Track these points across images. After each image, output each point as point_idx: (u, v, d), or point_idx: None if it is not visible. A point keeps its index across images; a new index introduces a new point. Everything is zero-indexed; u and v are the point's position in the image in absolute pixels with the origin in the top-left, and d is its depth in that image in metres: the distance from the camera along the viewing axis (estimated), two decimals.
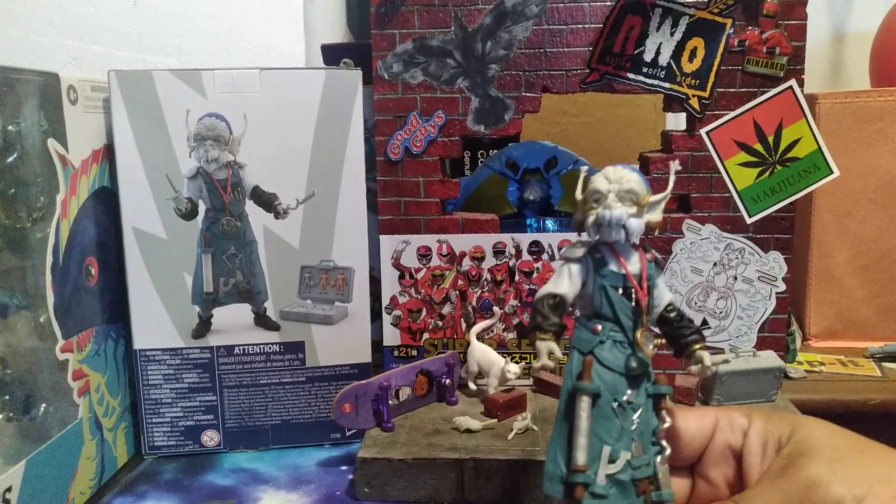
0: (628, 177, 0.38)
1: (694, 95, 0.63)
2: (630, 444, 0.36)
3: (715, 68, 0.63)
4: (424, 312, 0.67)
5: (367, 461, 0.54)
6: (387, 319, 0.67)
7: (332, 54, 0.77)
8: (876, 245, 0.84)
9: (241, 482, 0.58)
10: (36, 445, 0.48)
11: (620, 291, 0.38)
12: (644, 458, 0.37)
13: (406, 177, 0.65)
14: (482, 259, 0.66)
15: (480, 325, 0.66)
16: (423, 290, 0.67)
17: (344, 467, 0.60)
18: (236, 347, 0.61)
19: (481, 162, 0.91)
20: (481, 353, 0.64)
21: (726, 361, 0.44)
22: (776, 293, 0.65)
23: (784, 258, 0.65)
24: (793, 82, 0.62)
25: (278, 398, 0.62)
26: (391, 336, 0.68)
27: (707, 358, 0.39)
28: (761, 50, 0.62)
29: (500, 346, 0.67)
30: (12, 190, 0.47)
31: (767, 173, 0.63)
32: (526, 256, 0.66)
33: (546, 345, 0.37)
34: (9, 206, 0.46)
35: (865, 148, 0.82)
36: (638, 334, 0.38)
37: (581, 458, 0.35)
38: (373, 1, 0.63)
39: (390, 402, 0.60)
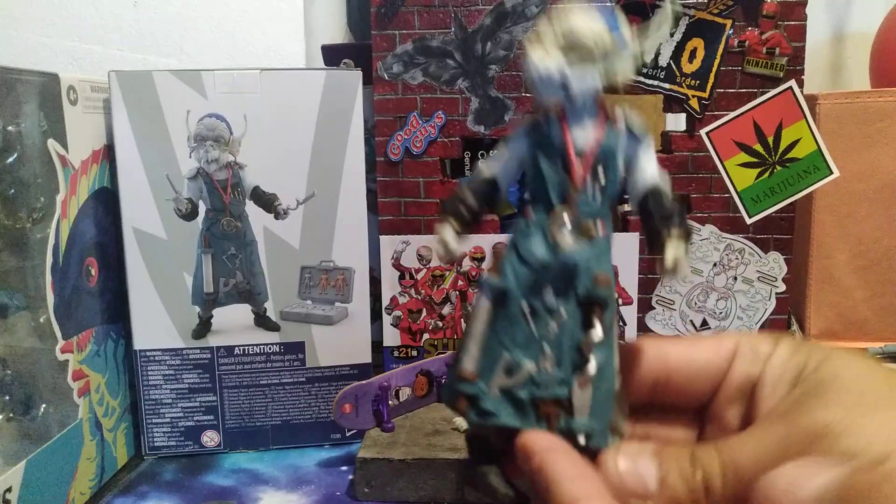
0: (575, 18, 0.28)
1: (694, 96, 0.63)
2: (537, 354, 0.28)
3: (715, 69, 0.63)
4: (424, 313, 0.67)
5: (367, 461, 0.54)
6: (387, 320, 0.67)
7: (332, 55, 0.77)
8: (876, 245, 0.84)
9: (241, 482, 0.58)
10: (36, 445, 0.48)
11: (560, 166, 0.29)
12: (554, 375, 0.28)
13: (406, 177, 0.65)
14: (482, 259, 0.66)
15: None
16: (423, 291, 0.67)
17: (344, 467, 0.60)
18: (236, 348, 0.61)
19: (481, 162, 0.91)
20: None
21: (681, 270, 0.31)
22: (776, 294, 0.65)
23: (784, 258, 0.65)
24: (792, 83, 0.62)
25: (278, 398, 0.62)
26: (391, 336, 0.68)
27: (671, 250, 0.29)
28: (761, 50, 0.62)
29: None
30: (12, 190, 0.47)
31: (767, 174, 0.63)
32: None
33: (440, 227, 0.30)
34: (9, 206, 0.46)
35: (866, 148, 0.82)
36: (552, 218, 0.29)
37: (468, 364, 0.29)
38: (373, 1, 0.63)
39: (390, 402, 0.60)
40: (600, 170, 0.29)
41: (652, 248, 0.30)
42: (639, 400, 0.31)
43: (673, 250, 0.29)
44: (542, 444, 0.27)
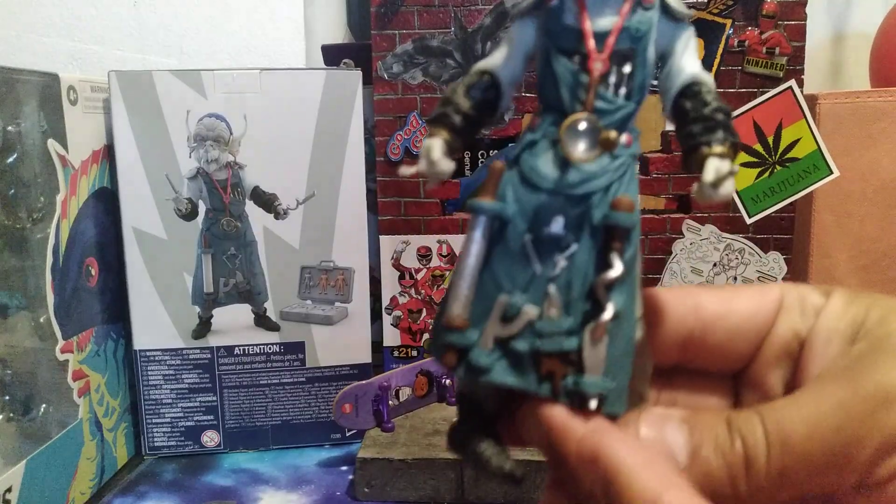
0: None
1: None
2: (540, 298, 0.23)
3: (714, 69, 0.63)
4: (424, 313, 0.67)
5: (367, 461, 0.54)
6: (387, 320, 0.67)
7: (332, 54, 0.77)
8: (876, 245, 0.84)
9: (241, 482, 0.58)
10: (36, 445, 0.48)
11: (577, 59, 0.23)
12: (562, 323, 0.23)
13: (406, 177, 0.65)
14: None
15: None
16: (423, 291, 0.67)
17: (344, 467, 0.60)
18: (236, 348, 0.61)
19: (481, 162, 0.91)
20: None
21: (732, 173, 0.24)
22: None
23: (784, 258, 0.65)
24: (792, 83, 0.62)
25: (278, 398, 0.62)
26: (391, 336, 0.68)
27: (710, 171, 0.23)
28: (761, 50, 0.62)
29: None
30: (12, 190, 0.47)
31: (767, 174, 0.63)
32: None
33: (428, 142, 0.23)
34: (9, 206, 0.46)
35: (866, 148, 0.82)
36: (564, 124, 0.22)
37: (457, 308, 0.23)
38: (373, 1, 0.63)
39: (390, 402, 0.60)
40: (627, 61, 0.23)
41: (688, 161, 0.24)
42: (665, 360, 0.26)
43: (716, 163, 0.23)
44: (589, 426, 0.22)
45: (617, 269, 0.22)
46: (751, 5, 0.62)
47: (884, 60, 0.99)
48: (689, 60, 0.24)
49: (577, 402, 0.22)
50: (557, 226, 0.23)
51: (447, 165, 0.23)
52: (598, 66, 0.22)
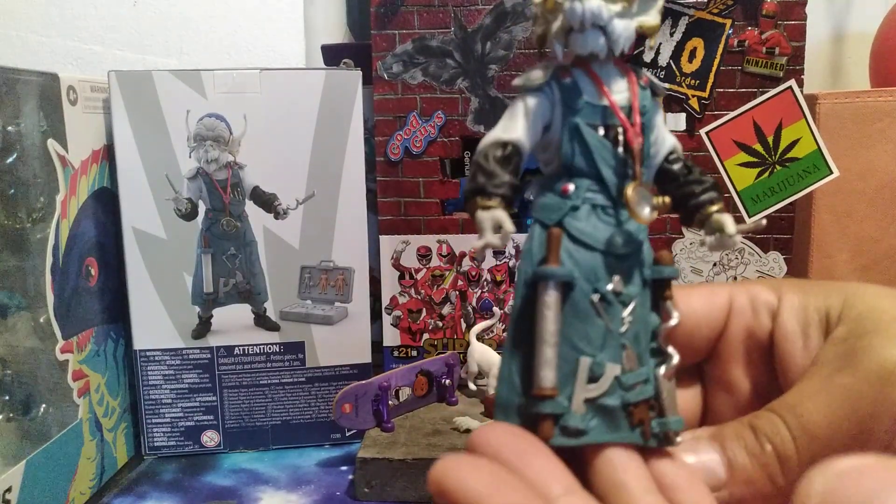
0: None
1: (693, 96, 0.63)
2: (619, 353, 0.24)
3: (714, 68, 0.63)
4: (424, 313, 0.67)
5: (367, 461, 0.54)
6: (387, 320, 0.67)
7: (332, 54, 0.77)
8: (876, 245, 0.84)
9: (241, 482, 0.58)
10: (36, 446, 0.48)
11: (602, 133, 0.25)
12: (641, 373, 0.25)
13: (406, 177, 0.65)
14: (482, 260, 0.66)
15: (480, 326, 0.66)
16: (422, 291, 0.67)
17: (344, 467, 0.60)
18: (236, 348, 0.61)
19: None
20: (481, 354, 0.64)
21: (759, 225, 0.28)
22: None
23: (784, 258, 0.65)
24: (792, 82, 0.62)
25: (278, 398, 0.62)
26: (391, 336, 0.68)
27: (730, 223, 0.26)
28: (761, 50, 0.62)
29: (500, 347, 0.67)
30: (12, 190, 0.47)
31: (767, 173, 0.63)
32: None
33: (491, 214, 0.24)
34: (9, 206, 0.46)
35: (865, 148, 0.82)
36: (629, 190, 0.25)
37: (548, 377, 0.24)
38: (373, 1, 0.63)
39: (390, 402, 0.60)
40: (647, 135, 0.26)
41: (690, 217, 0.27)
42: None
43: (731, 225, 0.26)
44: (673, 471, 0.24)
45: (675, 318, 0.25)
46: (751, 5, 0.62)
47: (884, 60, 0.99)
48: (666, 132, 0.27)
49: (665, 442, 0.24)
50: (616, 282, 0.25)
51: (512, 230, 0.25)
52: (639, 140, 0.25)
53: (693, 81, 0.63)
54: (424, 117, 0.64)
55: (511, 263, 0.66)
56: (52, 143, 0.50)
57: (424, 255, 0.66)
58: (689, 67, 0.63)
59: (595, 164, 0.25)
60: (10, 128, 0.46)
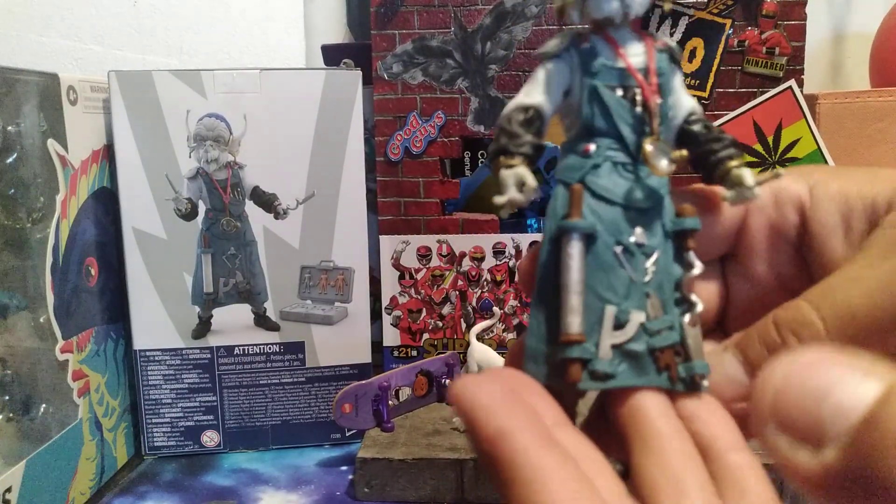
0: None
1: (693, 95, 0.63)
2: (644, 301, 0.25)
3: (714, 68, 0.63)
4: (424, 313, 0.67)
5: (367, 461, 0.54)
6: (387, 320, 0.67)
7: (332, 54, 0.77)
8: None
9: (241, 482, 0.58)
10: (36, 445, 0.48)
11: (620, 93, 0.27)
12: (665, 320, 0.25)
13: (406, 177, 0.65)
14: (482, 259, 0.66)
15: (480, 326, 0.66)
16: (422, 291, 0.67)
17: (344, 467, 0.60)
18: (236, 348, 0.61)
19: (481, 162, 0.91)
20: (481, 354, 0.64)
21: (777, 176, 0.28)
22: None
23: None
24: (792, 83, 0.62)
25: (278, 398, 0.62)
26: (391, 336, 0.68)
27: (749, 176, 0.26)
28: (761, 50, 0.62)
29: (500, 347, 0.67)
30: (12, 190, 0.47)
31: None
32: None
33: (514, 172, 0.26)
34: (9, 206, 0.46)
35: (866, 148, 0.82)
36: (646, 144, 0.26)
37: (574, 323, 0.24)
38: (373, 1, 0.63)
39: (390, 402, 0.60)
40: (665, 97, 0.27)
41: (711, 174, 0.28)
42: None
43: (750, 178, 0.26)
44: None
45: (699, 266, 0.26)
46: (751, 5, 0.62)
47: (884, 60, 0.99)
48: (685, 94, 0.28)
49: (691, 386, 0.25)
50: (638, 234, 0.26)
51: (536, 188, 0.26)
52: (656, 98, 0.26)
53: (693, 81, 0.63)
54: (424, 117, 0.64)
55: (511, 263, 0.66)
56: (52, 143, 0.50)
57: (424, 255, 0.66)
58: (689, 67, 0.63)
59: (614, 123, 0.26)
60: (10, 128, 0.46)
